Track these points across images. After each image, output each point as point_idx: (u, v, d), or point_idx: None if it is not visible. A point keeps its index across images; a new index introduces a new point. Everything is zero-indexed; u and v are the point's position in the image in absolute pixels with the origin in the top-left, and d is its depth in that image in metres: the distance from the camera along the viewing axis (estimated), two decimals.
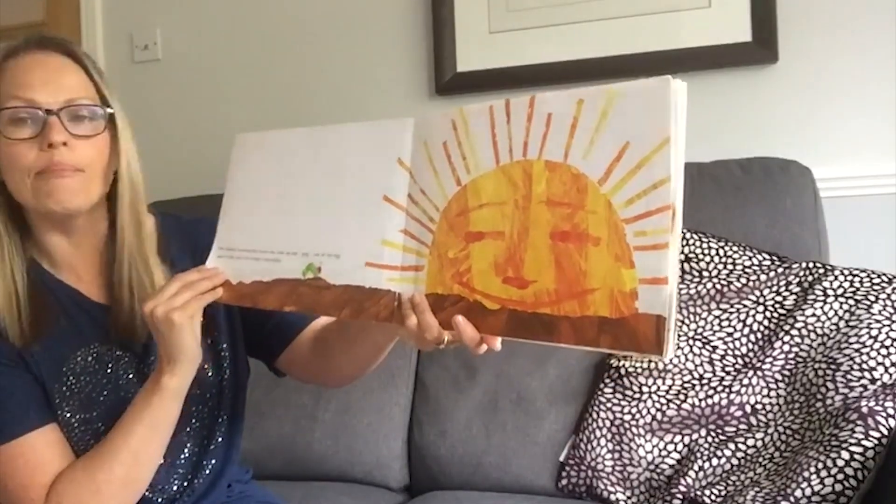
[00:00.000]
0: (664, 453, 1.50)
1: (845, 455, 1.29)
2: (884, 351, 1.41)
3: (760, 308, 1.55)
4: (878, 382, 1.39)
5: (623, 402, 1.55)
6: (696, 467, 1.44)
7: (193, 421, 1.16)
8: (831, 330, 1.48)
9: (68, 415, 1.08)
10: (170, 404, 1.02)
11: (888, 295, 1.47)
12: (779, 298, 1.55)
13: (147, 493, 1.12)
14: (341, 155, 0.99)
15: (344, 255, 0.96)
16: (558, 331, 0.80)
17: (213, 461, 1.18)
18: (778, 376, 1.49)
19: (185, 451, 1.16)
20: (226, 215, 1.08)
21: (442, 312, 0.89)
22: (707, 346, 1.55)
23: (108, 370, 1.10)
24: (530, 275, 0.82)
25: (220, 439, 1.19)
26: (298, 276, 0.99)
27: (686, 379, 1.53)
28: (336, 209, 0.98)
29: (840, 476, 1.28)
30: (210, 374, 1.17)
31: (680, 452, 1.49)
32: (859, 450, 1.29)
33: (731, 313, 1.56)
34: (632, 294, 0.76)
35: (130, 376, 1.11)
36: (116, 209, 1.09)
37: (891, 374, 1.39)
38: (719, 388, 1.50)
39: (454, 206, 0.89)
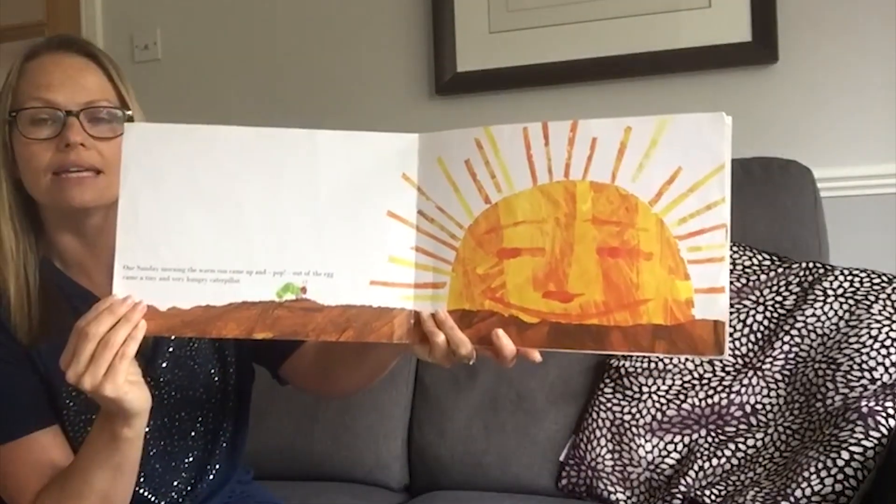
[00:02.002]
0: (664, 453, 1.50)
1: (845, 455, 1.29)
2: (884, 351, 1.41)
3: (760, 308, 1.55)
4: (878, 382, 1.39)
5: (623, 402, 1.55)
6: (696, 467, 1.44)
7: (198, 425, 1.15)
8: (831, 330, 1.48)
9: (73, 413, 1.08)
10: (130, 448, 0.95)
11: (888, 295, 1.47)
12: (779, 298, 1.55)
13: (150, 497, 1.12)
14: (316, 163, 0.92)
15: (339, 274, 0.91)
16: (608, 340, 0.87)
17: (218, 466, 1.18)
18: (778, 376, 1.49)
19: (190, 455, 1.15)
20: (129, 226, 0.91)
21: (470, 328, 0.90)
22: None
23: None
24: (575, 288, 0.88)
25: (224, 444, 1.18)
26: (272, 298, 0.90)
27: (686, 379, 1.53)
28: (319, 223, 0.92)
29: (840, 476, 1.28)
30: (216, 379, 1.16)
31: (680, 452, 1.49)
32: (859, 450, 1.29)
33: (731, 313, 1.56)
34: (687, 303, 0.86)
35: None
36: None
37: (891, 374, 1.39)
38: (719, 388, 1.50)
39: (483, 224, 0.91)
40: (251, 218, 0.92)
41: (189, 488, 1.15)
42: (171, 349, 1.13)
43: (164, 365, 1.12)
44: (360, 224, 0.92)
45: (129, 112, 1.08)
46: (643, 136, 0.87)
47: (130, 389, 0.89)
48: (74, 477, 0.98)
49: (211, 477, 1.17)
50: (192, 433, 1.15)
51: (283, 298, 0.91)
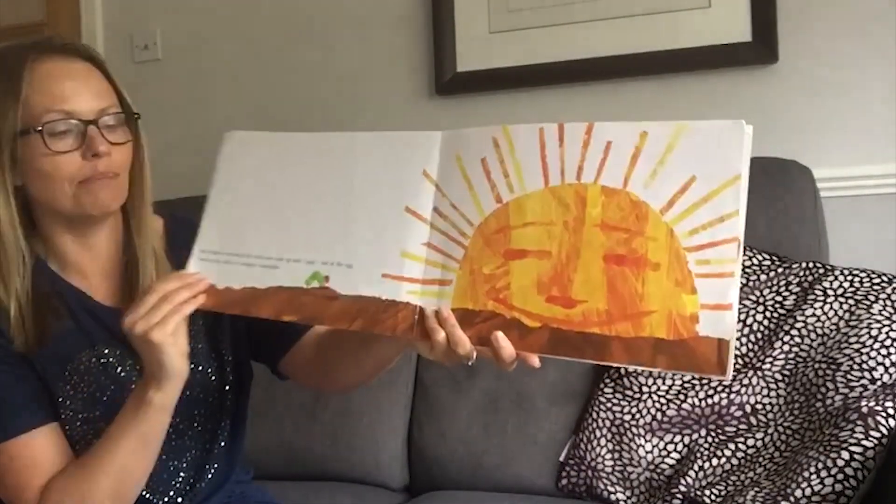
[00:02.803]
0: (664, 453, 1.50)
1: (845, 455, 1.29)
2: (884, 351, 1.41)
3: (760, 308, 1.55)
4: (878, 382, 1.39)
5: (623, 402, 1.55)
6: (696, 467, 1.44)
7: (196, 425, 1.15)
8: (831, 330, 1.48)
9: (71, 413, 1.08)
10: (157, 417, 0.99)
11: (888, 295, 1.47)
12: (779, 298, 1.55)
13: (148, 496, 1.12)
14: (353, 163, 0.97)
15: (357, 266, 0.94)
16: (609, 350, 0.84)
17: (216, 465, 1.18)
18: (778, 376, 1.49)
19: (188, 455, 1.15)
20: (210, 216, 1.03)
21: (472, 328, 0.89)
22: None
23: (113, 371, 1.10)
24: (579, 295, 0.86)
25: (222, 443, 1.19)
26: (301, 285, 0.96)
27: (686, 379, 1.53)
28: (347, 217, 0.96)
29: (840, 476, 1.28)
30: (213, 377, 1.16)
31: (680, 452, 1.49)
32: (859, 450, 1.29)
33: None
34: (692, 318, 0.82)
35: (135, 378, 1.11)
36: (131, 210, 1.11)
37: (891, 374, 1.39)
38: (719, 388, 1.50)
39: (492, 223, 0.90)
40: (297, 211, 0.99)
41: (188, 488, 1.15)
42: None
43: None
44: (381, 218, 0.95)
45: (136, 113, 1.09)
46: (659, 141, 0.85)
47: (175, 343, 0.94)
48: (99, 448, 1.01)
49: (209, 476, 1.17)
50: (190, 432, 1.15)
51: (310, 286, 0.96)
